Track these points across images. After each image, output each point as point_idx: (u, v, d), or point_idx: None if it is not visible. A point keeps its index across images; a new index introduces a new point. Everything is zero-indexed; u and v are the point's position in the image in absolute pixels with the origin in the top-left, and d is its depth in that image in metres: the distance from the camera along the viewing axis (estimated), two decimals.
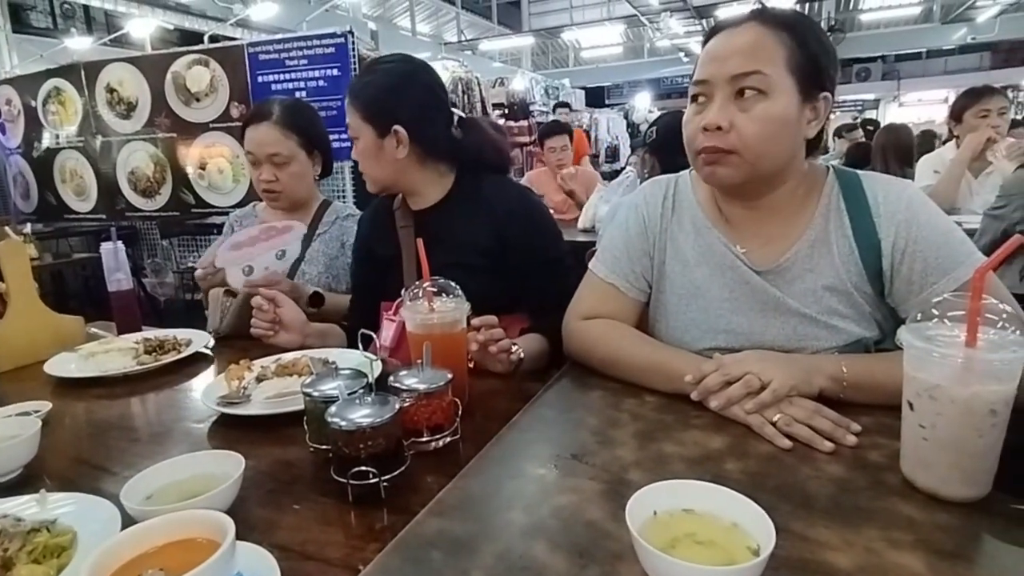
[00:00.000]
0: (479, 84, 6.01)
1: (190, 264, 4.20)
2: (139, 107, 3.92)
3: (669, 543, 0.51)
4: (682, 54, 15.82)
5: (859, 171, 0.97)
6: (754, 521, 0.50)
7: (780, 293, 0.93)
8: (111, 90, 3.97)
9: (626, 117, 12.29)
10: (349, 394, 0.73)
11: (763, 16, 0.88)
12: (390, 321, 1.19)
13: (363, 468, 0.67)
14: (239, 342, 1.31)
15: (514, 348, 1.03)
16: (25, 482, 0.78)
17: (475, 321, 0.97)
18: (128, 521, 0.61)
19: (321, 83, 3.47)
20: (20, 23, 6.46)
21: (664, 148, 2.15)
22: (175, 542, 0.50)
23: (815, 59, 0.87)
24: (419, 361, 0.83)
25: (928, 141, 4.25)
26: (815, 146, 0.95)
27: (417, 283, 0.96)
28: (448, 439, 0.80)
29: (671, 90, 17.79)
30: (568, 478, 0.68)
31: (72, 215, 4.19)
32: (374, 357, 0.74)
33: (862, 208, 0.92)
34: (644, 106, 13.43)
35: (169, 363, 1.16)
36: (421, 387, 0.78)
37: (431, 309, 0.92)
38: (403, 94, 1.19)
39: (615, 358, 0.96)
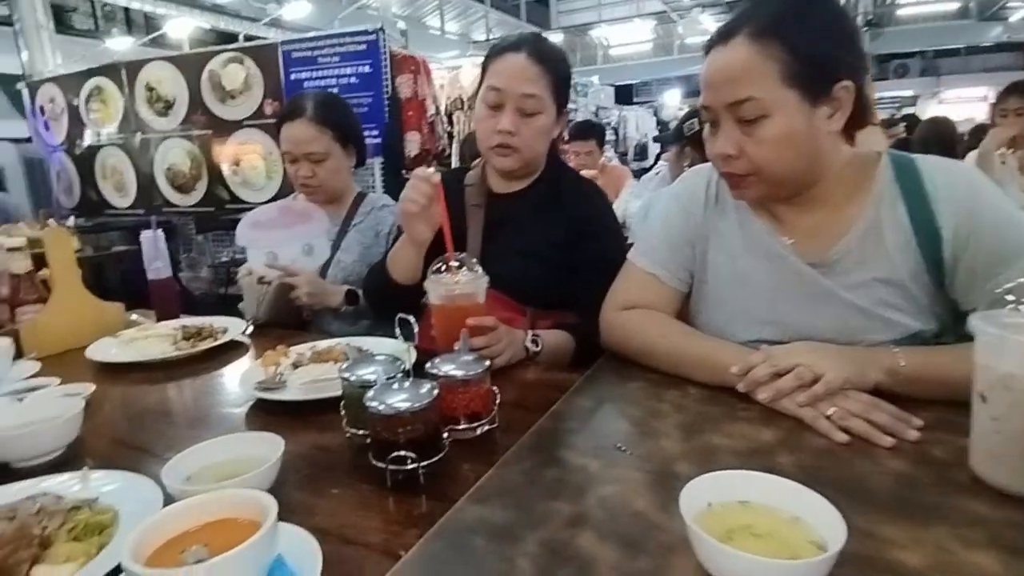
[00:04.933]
0: None
1: (223, 259, 4.28)
2: (176, 105, 4.00)
3: (724, 535, 0.48)
4: None
5: (915, 155, 0.93)
6: (819, 515, 0.47)
7: (831, 283, 0.89)
8: (150, 88, 4.06)
9: (655, 114, 12.15)
10: (387, 379, 0.72)
11: (750, 26, 0.81)
12: None
13: (401, 453, 0.66)
14: (274, 330, 1.32)
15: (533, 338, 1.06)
16: (67, 462, 0.78)
17: (470, 321, 0.93)
18: (169, 501, 0.61)
19: (353, 80, 3.49)
20: (63, 24, 6.68)
21: None
22: (217, 521, 0.50)
23: (817, 57, 0.80)
24: (457, 347, 0.81)
25: (978, 136, 4.07)
26: (860, 124, 0.89)
27: (440, 258, 0.97)
28: (486, 427, 0.78)
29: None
30: (611, 468, 0.66)
31: (112, 210, 4.31)
32: (412, 342, 0.73)
33: (919, 195, 0.87)
34: (674, 103, 13.25)
35: (206, 349, 1.17)
36: (459, 374, 0.77)
37: (451, 282, 0.95)
38: None
39: (655, 349, 0.94)
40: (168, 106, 4.04)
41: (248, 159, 3.90)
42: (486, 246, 1.24)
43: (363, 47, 3.48)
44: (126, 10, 7.75)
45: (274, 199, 3.75)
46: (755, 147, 0.83)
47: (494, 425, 0.79)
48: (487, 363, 0.79)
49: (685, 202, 1.02)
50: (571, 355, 1.16)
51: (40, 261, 1.26)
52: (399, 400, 0.67)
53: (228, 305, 1.59)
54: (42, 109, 4.37)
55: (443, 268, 0.96)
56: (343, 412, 0.78)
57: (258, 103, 3.76)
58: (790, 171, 0.86)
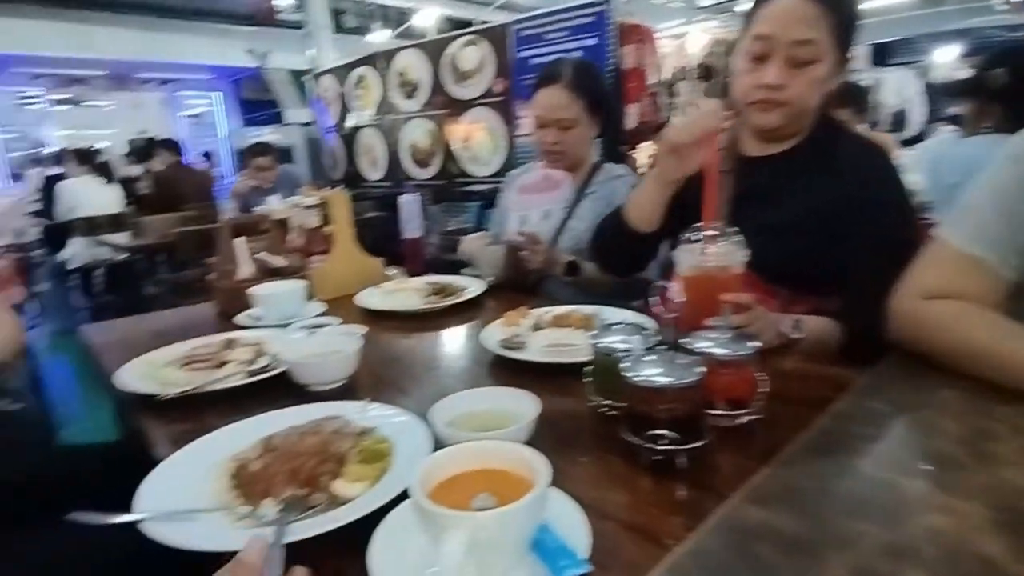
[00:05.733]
0: None
1: (450, 227, 4.68)
2: (421, 88, 4.44)
3: None
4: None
5: None
6: None
7: None
8: (401, 74, 4.57)
9: (921, 77, 10.09)
10: (646, 350, 0.67)
11: None
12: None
13: (660, 432, 0.60)
14: (506, 293, 1.37)
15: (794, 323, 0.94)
16: (345, 392, 0.88)
17: (725, 296, 0.83)
18: (436, 440, 0.64)
19: (578, 54, 3.47)
20: (337, 25, 7.96)
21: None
22: (490, 470, 0.49)
23: None
24: (718, 322, 0.72)
25: None
26: None
27: (695, 226, 0.88)
28: (748, 417, 0.69)
29: (982, 45, 13.97)
30: (934, 493, 0.52)
31: (366, 183, 4.99)
32: (673, 313, 0.66)
33: None
34: (947, 62, 10.86)
35: (450, 305, 1.25)
36: (722, 352, 0.68)
37: (706, 251, 0.86)
38: None
39: (976, 350, 0.73)
40: (414, 89, 4.50)
41: (477, 136, 4.17)
42: (734, 218, 1.10)
43: (591, 19, 3.44)
44: (383, 7, 8.88)
45: (498, 174, 4.00)
46: None
47: (757, 416, 0.69)
48: (756, 344, 0.69)
49: None
50: (838, 347, 0.99)
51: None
52: (661, 374, 0.61)
53: (453, 269, 1.70)
54: (320, 97, 5.22)
55: (697, 236, 0.88)
56: (589, 379, 0.75)
57: (489, 82, 3.98)
58: None
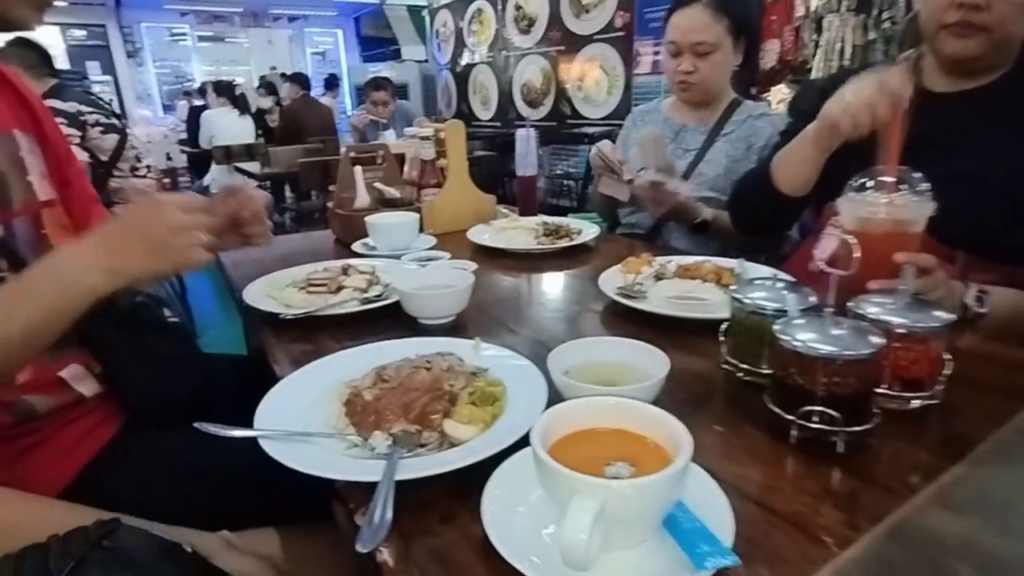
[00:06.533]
0: None
1: (558, 171, 4.55)
2: (537, 22, 4.26)
3: None
4: None
5: None
6: None
7: None
8: (518, 7, 4.40)
9: None
10: (802, 310, 0.57)
11: None
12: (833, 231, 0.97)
13: (816, 409, 0.51)
14: (622, 239, 1.28)
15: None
16: (453, 329, 0.85)
17: (900, 256, 0.68)
18: (551, 388, 0.59)
19: None
20: None
21: None
22: (620, 431, 0.43)
23: None
24: (901, 287, 0.60)
25: None
26: None
27: (869, 170, 0.75)
28: (924, 402, 0.57)
29: None
30: None
31: (476, 121, 4.95)
32: (844, 270, 0.55)
33: None
34: None
35: (564, 248, 1.19)
36: (899, 322, 0.57)
37: (883, 202, 0.72)
38: None
39: None
40: (530, 24, 4.33)
41: (592, 75, 3.96)
42: (911, 164, 0.93)
43: None
44: None
45: (611, 116, 3.80)
46: None
47: (934, 401, 0.58)
48: (947, 316, 0.57)
49: None
50: None
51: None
52: (824, 341, 0.51)
53: (557, 215, 1.62)
54: (437, 33, 5.18)
55: (869, 183, 0.74)
56: (726, 339, 0.67)
57: (610, 16, 3.74)
58: None
